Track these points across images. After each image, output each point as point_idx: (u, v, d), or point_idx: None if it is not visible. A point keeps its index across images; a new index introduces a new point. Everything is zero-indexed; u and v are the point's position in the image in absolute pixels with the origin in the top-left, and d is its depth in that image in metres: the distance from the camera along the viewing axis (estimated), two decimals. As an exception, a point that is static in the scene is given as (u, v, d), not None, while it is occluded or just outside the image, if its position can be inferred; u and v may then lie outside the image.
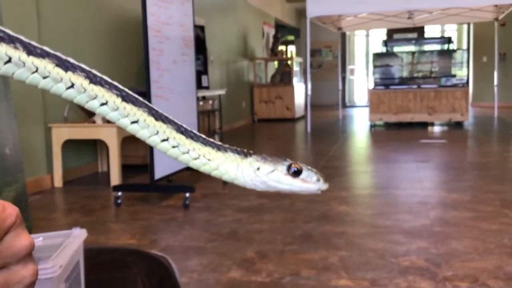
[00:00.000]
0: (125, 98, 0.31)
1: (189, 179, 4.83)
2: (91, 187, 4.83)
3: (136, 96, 0.33)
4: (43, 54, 0.30)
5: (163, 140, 0.28)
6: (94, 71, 0.33)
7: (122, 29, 5.96)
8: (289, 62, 12.16)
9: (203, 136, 0.29)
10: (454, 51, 10.67)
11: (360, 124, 10.91)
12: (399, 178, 5.15)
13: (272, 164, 0.27)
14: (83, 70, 0.32)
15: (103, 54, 5.63)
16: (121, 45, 5.95)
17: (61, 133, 4.59)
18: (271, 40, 12.68)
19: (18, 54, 0.28)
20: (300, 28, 15.91)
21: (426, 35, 14.56)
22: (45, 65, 0.29)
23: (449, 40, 11.15)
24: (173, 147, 0.28)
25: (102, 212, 3.93)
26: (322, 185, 0.26)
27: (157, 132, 0.28)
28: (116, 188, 4.06)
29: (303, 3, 9.14)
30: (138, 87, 5.71)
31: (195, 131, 0.30)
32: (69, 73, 0.29)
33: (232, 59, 10.61)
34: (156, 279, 1.15)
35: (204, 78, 7.74)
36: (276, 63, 12.93)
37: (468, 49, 12.62)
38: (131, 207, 3.99)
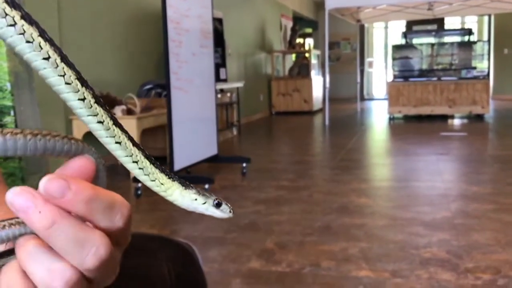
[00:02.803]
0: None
1: (207, 171, 4.85)
2: (111, 178, 4.88)
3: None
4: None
5: (134, 162, 0.35)
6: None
7: (141, 21, 5.98)
8: (307, 54, 12.10)
9: (159, 164, 0.37)
10: (474, 43, 10.53)
11: (378, 117, 10.83)
12: (419, 170, 5.11)
13: (204, 198, 0.37)
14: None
15: (122, 46, 5.66)
16: (140, 37, 5.98)
17: (82, 125, 4.64)
18: (289, 32, 12.63)
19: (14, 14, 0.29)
20: (318, 21, 15.82)
21: (446, 26, 14.38)
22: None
23: (469, 32, 11.00)
24: (139, 169, 0.36)
25: (122, 203, 3.96)
26: (231, 214, 0.38)
27: (131, 155, 0.35)
28: (136, 179, 4.09)
29: (321, -5, 9.09)
30: (157, 79, 5.73)
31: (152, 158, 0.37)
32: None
33: (250, 52, 10.60)
34: (181, 265, 1.16)
35: (222, 70, 7.74)
36: (294, 55, 12.88)
37: (489, 41, 12.42)
38: (150, 198, 4.02)
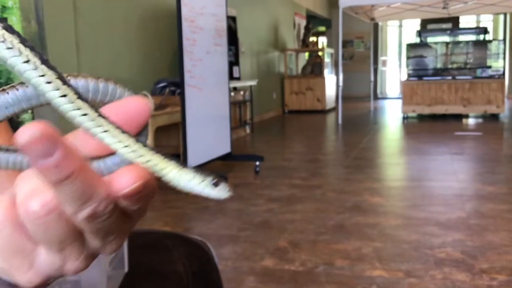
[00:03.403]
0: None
1: (220, 168, 4.86)
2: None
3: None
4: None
5: (125, 147, 0.34)
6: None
7: (156, 20, 6.00)
8: (320, 53, 12.07)
9: (152, 147, 0.35)
10: (489, 41, 10.42)
11: (392, 116, 10.77)
12: (433, 170, 5.07)
13: (201, 177, 0.36)
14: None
15: (136, 44, 5.69)
16: (155, 36, 6.00)
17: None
18: (302, 31, 12.60)
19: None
20: (331, 19, 15.76)
21: (461, 25, 14.26)
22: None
23: (485, 31, 10.89)
24: (132, 151, 0.34)
25: (136, 200, 3.98)
26: (228, 194, 0.37)
27: (120, 141, 0.34)
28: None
29: (335, -7, 9.06)
30: (171, 77, 5.76)
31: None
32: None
33: (263, 50, 10.59)
34: (197, 263, 1.17)
35: (235, 69, 7.75)
36: (307, 54, 12.85)
37: (504, 39, 12.29)
38: (164, 196, 4.04)
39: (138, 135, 0.36)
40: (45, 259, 0.35)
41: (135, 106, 0.34)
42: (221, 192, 0.37)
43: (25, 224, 0.33)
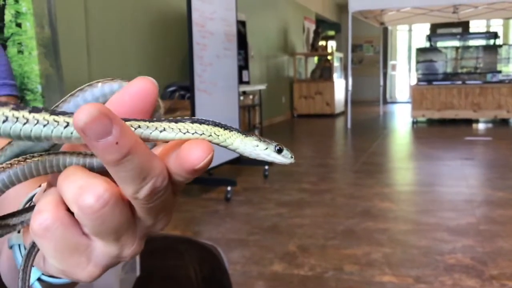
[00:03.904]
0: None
1: (229, 173, 4.87)
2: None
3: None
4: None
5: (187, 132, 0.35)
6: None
7: (166, 25, 6.04)
8: (329, 57, 12.07)
9: (213, 120, 0.36)
10: (500, 46, 10.38)
11: (401, 120, 10.74)
12: (443, 175, 5.05)
13: (265, 144, 0.37)
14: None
15: (147, 49, 5.72)
16: (165, 40, 6.03)
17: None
18: (311, 35, 12.61)
19: None
20: (340, 23, 15.75)
21: (471, 30, 14.20)
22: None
23: (495, 35, 10.85)
24: (193, 134, 0.35)
25: (145, 203, 4.00)
26: (292, 160, 0.38)
27: (180, 129, 0.35)
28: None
29: (344, -2, 9.06)
30: (181, 81, 5.78)
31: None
32: None
33: (273, 54, 10.61)
34: (208, 267, 1.18)
35: (244, 73, 7.77)
36: (316, 58, 12.85)
37: (515, 44, 12.22)
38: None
39: (155, 111, 0.36)
40: (102, 251, 0.35)
41: (141, 86, 0.33)
42: (285, 158, 0.38)
43: (80, 221, 0.33)
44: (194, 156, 0.32)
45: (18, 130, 0.31)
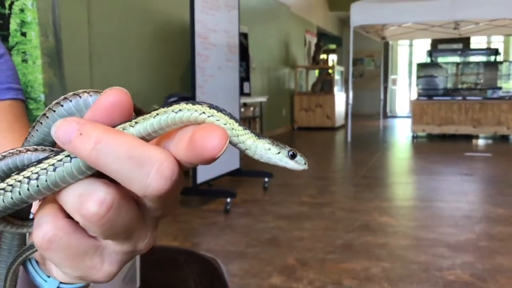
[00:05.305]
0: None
1: (229, 184, 4.87)
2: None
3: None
4: None
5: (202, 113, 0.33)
6: None
7: (168, 35, 6.07)
8: (330, 71, 12.11)
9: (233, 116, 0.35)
10: (500, 63, 10.42)
11: (401, 135, 10.75)
12: (442, 190, 5.05)
13: (278, 148, 0.36)
14: None
15: (149, 59, 5.74)
16: (167, 51, 6.06)
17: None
18: (312, 48, 12.66)
19: None
20: (342, 37, 15.83)
21: (472, 46, 14.27)
22: None
23: (495, 52, 10.90)
24: (209, 116, 0.34)
25: (144, 214, 3.99)
26: (306, 166, 0.37)
27: (202, 111, 0.34)
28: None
29: (345, 12, 9.12)
30: (182, 92, 5.80)
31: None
32: None
33: (274, 67, 10.65)
34: (208, 279, 1.17)
35: (246, 84, 7.79)
36: (317, 71, 12.90)
37: (515, 61, 12.26)
38: (173, 210, 4.04)
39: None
40: (115, 249, 0.34)
41: (111, 99, 0.30)
42: (298, 163, 0.37)
43: (86, 229, 0.32)
44: (213, 143, 0.30)
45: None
